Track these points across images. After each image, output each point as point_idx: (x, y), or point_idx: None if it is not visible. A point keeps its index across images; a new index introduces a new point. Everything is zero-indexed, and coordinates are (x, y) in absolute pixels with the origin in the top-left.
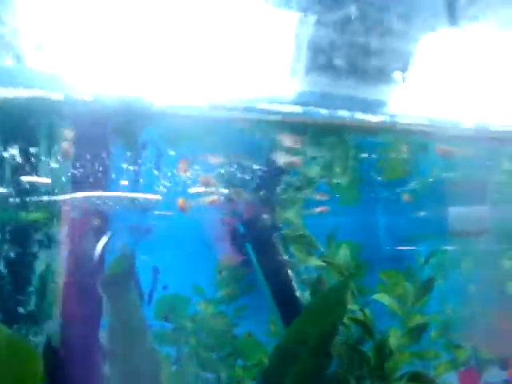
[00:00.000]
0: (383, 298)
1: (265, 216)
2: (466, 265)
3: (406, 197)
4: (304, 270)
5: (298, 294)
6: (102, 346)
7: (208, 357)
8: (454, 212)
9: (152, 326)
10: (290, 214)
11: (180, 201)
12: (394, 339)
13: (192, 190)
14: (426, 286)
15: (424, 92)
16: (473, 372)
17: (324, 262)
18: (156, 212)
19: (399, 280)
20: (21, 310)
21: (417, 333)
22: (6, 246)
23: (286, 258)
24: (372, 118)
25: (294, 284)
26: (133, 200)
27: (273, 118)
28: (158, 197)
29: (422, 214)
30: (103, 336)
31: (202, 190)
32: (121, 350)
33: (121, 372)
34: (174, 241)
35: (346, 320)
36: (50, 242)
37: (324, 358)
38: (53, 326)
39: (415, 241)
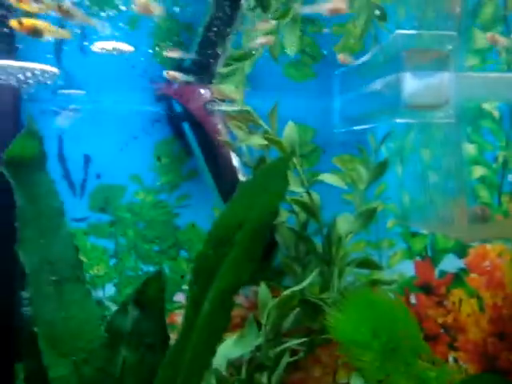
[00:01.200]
0: (331, 179)
1: (201, 91)
2: (424, 147)
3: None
4: (246, 150)
5: (241, 177)
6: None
7: (148, 249)
8: (410, 81)
9: (87, 218)
10: (230, 88)
11: None
12: (343, 224)
13: None
14: (380, 169)
15: None
16: (428, 261)
17: (267, 139)
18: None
19: (354, 165)
20: None
21: (367, 217)
22: None
23: (226, 138)
24: None
25: (237, 166)
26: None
27: None
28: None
29: (375, 87)
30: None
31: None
32: (33, 238)
33: (34, 260)
34: (105, 125)
35: (291, 203)
36: None
37: (264, 242)
38: None
39: (369, 119)
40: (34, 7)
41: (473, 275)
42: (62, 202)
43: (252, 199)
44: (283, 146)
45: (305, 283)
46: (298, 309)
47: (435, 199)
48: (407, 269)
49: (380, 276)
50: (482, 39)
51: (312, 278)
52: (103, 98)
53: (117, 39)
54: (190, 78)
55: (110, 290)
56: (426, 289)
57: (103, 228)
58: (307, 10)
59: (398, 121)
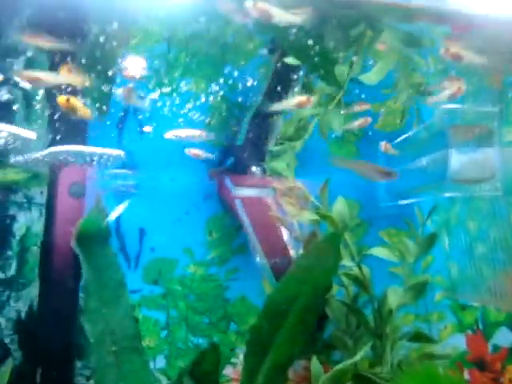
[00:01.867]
0: (381, 252)
1: (253, 168)
2: (470, 219)
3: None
4: (297, 225)
5: (291, 251)
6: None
7: (199, 321)
8: (457, 156)
9: (140, 290)
10: (282, 166)
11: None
12: (394, 297)
13: None
14: (428, 243)
15: None
16: (480, 335)
17: (319, 215)
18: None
19: (400, 238)
20: (1, 275)
21: (417, 291)
22: None
23: (277, 213)
24: None
25: (288, 241)
26: (95, 155)
27: None
28: (120, 152)
29: (421, 162)
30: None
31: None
32: (96, 308)
33: (97, 330)
34: (159, 201)
35: (341, 277)
36: (29, 204)
37: (317, 315)
38: (34, 290)
39: (415, 194)
40: None
41: None
42: (123, 273)
43: (306, 274)
44: (334, 221)
45: (358, 356)
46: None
47: (484, 271)
48: (458, 343)
49: (433, 350)
50: None
51: (364, 352)
52: (159, 175)
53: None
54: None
55: (160, 361)
56: (480, 364)
57: (155, 300)
58: (276, 107)
59: (447, 195)
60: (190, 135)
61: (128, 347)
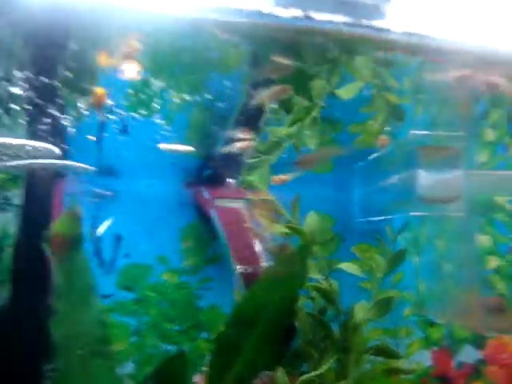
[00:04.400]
0: (350, 268)
1: (229, 180)
2: (439, 238)
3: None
4: (269, 237)
5: (263, 263)
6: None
7: (170, 328)
8: (424, 176)
9: (113, 295)
10: (255, 179)
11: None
12: (361, 312)
13: None
14: (396, 259)
15: None
16: (446, 351)
17: (289, 228)
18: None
19: (371, 254)
20: None
21: (383, 306)
22: None
23: (251, 224)
24: None
25: (260, 252)
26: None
27: None
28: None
29: (392, 181)
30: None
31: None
32: (65, 312)
33: (65, 334)
34: (136, 207)
35: (309, 290)
36: (6, 205)
37: (284, 326)
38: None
39: (387, 211)
40: None
41: (491, 367)
42: (94, 278)
43: (275, 284)
44: (304, 235)
45: (322, 370)
46: None
47: (450, 289)
48: (424, 358)
49: (398, 365)
50: (491, 137)
51: (329, 364)
52: (136, 182)
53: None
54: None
55: (129, 367)
56: (444, 380)
57: (127, 305)
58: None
59: (414, 214)
60: (180, 149)
61: (95, 351)
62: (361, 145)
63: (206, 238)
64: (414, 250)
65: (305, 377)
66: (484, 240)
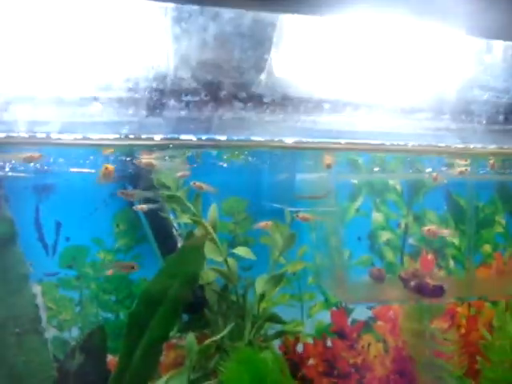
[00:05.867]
0: (242, 252)
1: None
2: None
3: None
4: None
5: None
6: None
7: (107, 299)
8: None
9: (58, 273)
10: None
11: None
12: (259, 284)
13: None
14: (290, 239)
15: None
16: (342, 311)
17: (191, 220)
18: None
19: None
20: None
21: (277, 279)
22: None
23: (167, 215)
24: None
25: (176, 237)
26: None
27: None
28: None
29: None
30: None
31: None
32: (2, 297)
33: (1, 316)
34: (73, 197)
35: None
36: None
37: (185, 303)
38: None
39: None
40: None
41: (379, 323)
42: (28, 269)
43: (175, 269)
44: (204, 226)
45: (222, 334)
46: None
47: (335, 263)
48: (325, 318)
49: (288, 328)
50: None
51: (228, 329)
52: (72, 176)
53: None
54: None
55: (75, 332)
56: (341, 334)
57: (70, 281)
58: None
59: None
60: None
61: (29, 329)
62: None
63: (136, 222)
64: (312, 228)
65: (208, 340)
66: (378, 217)
